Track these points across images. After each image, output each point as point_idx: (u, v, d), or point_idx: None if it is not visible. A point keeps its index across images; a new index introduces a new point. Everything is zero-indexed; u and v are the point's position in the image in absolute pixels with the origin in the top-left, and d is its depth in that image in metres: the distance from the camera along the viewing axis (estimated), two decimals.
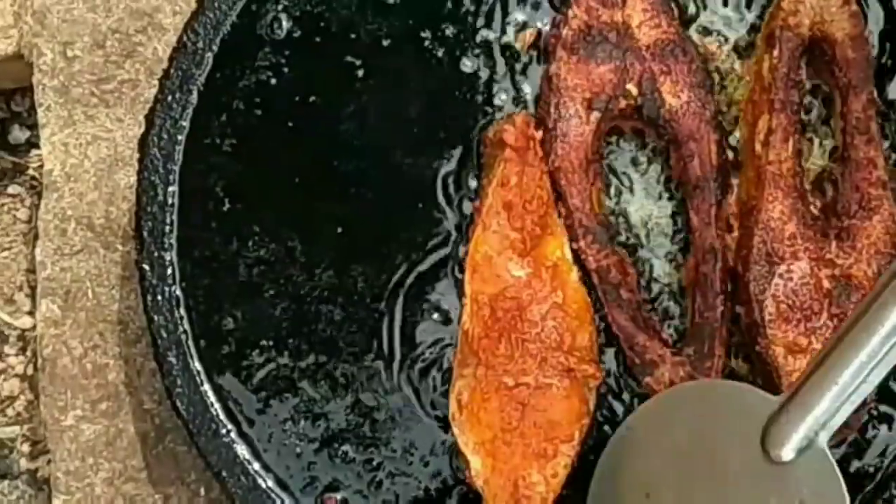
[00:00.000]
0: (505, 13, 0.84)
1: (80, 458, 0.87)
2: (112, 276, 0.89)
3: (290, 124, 0.83)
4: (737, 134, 0.82)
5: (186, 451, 0.86)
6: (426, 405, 0.81)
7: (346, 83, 0.83)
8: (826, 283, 0.78)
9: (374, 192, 0.82)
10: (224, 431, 0.80)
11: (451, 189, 0.82)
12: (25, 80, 0.93)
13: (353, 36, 0.83)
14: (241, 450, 0.80)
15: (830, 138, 0.82)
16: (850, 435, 0.80)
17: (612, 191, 0.83)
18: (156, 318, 0.81)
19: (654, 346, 0.80)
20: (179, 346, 0.80)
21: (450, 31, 0.83)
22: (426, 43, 0.83)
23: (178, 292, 0.81)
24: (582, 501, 0.78)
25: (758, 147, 0.80)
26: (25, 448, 0.95)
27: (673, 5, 0.83)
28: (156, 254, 0.81)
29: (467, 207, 0.82)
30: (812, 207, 0.80)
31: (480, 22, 0.83)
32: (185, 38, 0.82)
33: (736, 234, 0.80)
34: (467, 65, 0.83)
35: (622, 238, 0.82)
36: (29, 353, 0.96)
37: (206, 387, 0.80)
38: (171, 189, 0.82)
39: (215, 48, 0.83)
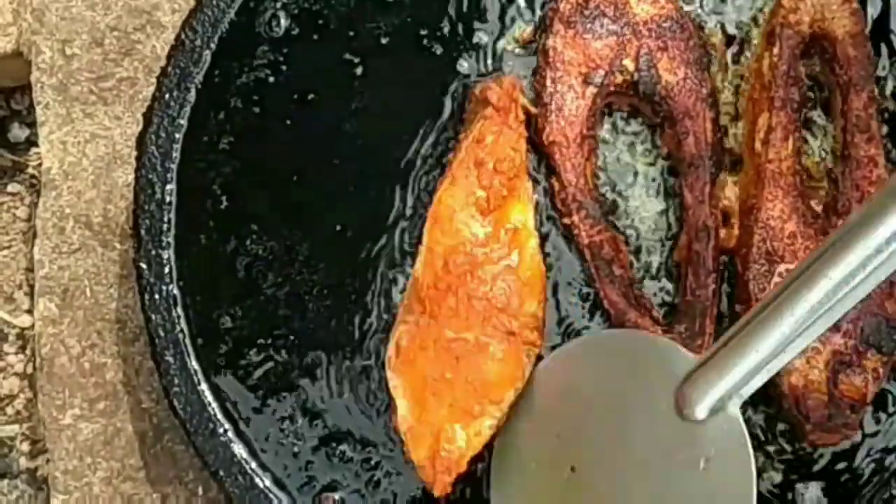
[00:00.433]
0: (503, 13, 0.84)
1: (79, 457, 0.87)
2: (110, 274, 0.89)
3: (288, 122, 0.82)
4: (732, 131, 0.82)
5: (184, 451, 0.86)
6: None
7: (345, 81, 0.83)
8: None
9: (373, 189, 0.82)
10: (221, 430, 0.80)
11: None
12: (25, 78, 0.93)
13: (351, 34, 0.83)
14: (239, 449, 0.80)
15: (831, 136, 0.82)
16: (851, 435, 0.79)
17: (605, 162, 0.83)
18: (153, 316, 0.81)
19: (646, 323, 0.79)
20: (177, 344, 0.80)
21: (447, 29, 0.83)
22: (424, 41, 0.83)
23: (176, 291, 0.81)
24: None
25: (758, 145, 0.79)
26: (25, 447, 0.95)
27: None
28: (153, 252, 0.81)
29: None
30: (812, 206, 0.80)
31: (478, 23, 0.83)
32: (183, 36, 0.82)
33: (735, 230, 0.80)
34: (464, 66, 0.83)
35: (616, 220, 0.82)
36: (28, 352, 0.96)
37: (204, 386, 0.80)
38: (168, 187, 0.82)
39: (213, 46, 0.83)
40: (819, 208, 0.80)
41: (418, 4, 0.83)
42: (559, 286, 0.81)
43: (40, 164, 0.93)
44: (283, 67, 0.83)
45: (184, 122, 0.82)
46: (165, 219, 0.81)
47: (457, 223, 0.78)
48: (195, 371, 0.80)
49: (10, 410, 0.95)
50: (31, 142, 0.99)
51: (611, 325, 0.80)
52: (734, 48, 0.83)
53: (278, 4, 0.83)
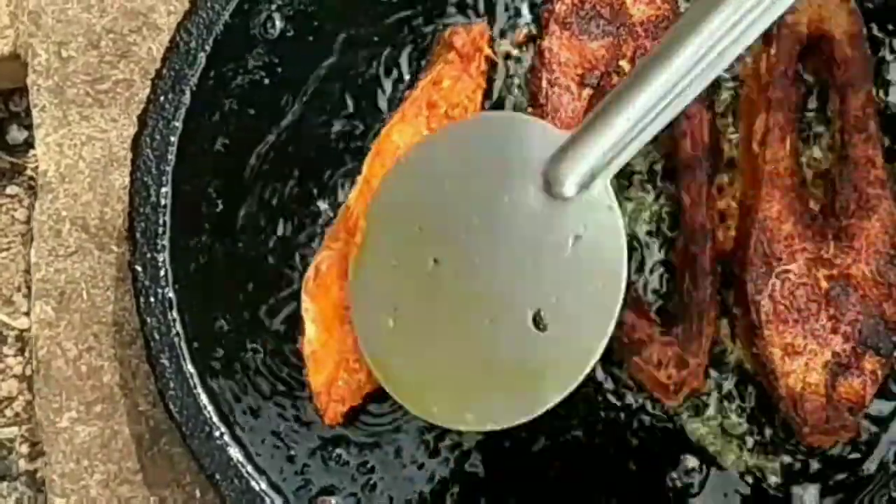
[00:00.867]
0: (503, 11, 0.83)
1: (76, 460, 0.87)
2: (107, 277, 0.89)
3: (284, 124, 0.82)
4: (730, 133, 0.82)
5: (182, 454, 0.86)
6: None
7: (339, 83, 0.82)
8: (824, 284, 0.77)
9: None
10: (217, 434, 0.80)
11: None
12: (22, 81, 0.93)
13: (345, 35, 0.83)
14: (235, 452, 0.80)
15: (828, 137, 0.81)
16: (851, 435, 0.79)
17: None
18: (149, 320, 0.80)
19: (642, 325, 0.79)
20: (172, 348, 0.80)
21: (445, 29, 0.83)
22: (419, 43, 0.83)
23: (171, 294, 0.81)
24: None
25: (755, 146, 0.79)
26: (24, 449, 0.95)
27: None
28: (148, 255, 0.81)
29: None
30: (810, 206, 0.79)
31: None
32: (177, 38, 0.82)
33: (732, 231, 0.80)
34: None
35: None
36: (27, 354, 0.96)
37: (200, 389, 0.80)
38: (163, 190, 0.82)
39: (208, 48, 0.83)
40: (817, 209, 0.79)
41: (412, 5, 0.83)
42: None
43: (38, 166, 0.93)
44: (279, 69, 0.83)
45: (179, 124, 0.82)
46: (161, 222, 0.81)
47: None
48: (191, 374, 0.80)
49: (9, 412, 0.95)
50: (30, 144, 0.99)
51: None
52: None
53: (273, 6, 0.83)
